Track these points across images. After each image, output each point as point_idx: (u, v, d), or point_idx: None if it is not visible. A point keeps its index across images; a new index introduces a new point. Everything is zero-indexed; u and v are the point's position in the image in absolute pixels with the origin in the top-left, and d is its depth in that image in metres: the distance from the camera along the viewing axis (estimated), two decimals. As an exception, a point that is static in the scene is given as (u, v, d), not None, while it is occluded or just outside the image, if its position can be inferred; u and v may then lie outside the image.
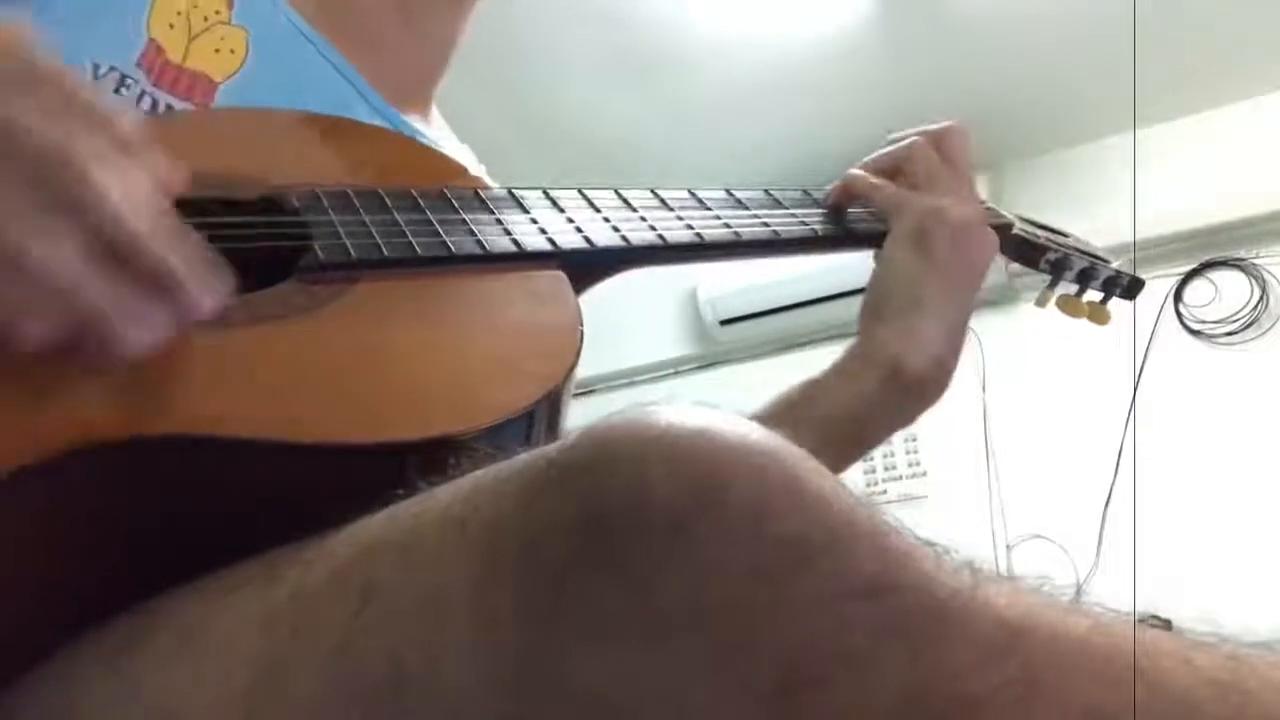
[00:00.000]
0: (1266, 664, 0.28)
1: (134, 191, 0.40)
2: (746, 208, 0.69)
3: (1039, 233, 0.82)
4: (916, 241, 0.70)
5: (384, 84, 0.75)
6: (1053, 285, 0.83)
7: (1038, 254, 0.81)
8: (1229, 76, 2.40)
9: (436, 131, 0.80)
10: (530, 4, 2.05)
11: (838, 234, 0.72)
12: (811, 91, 2.38)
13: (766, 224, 0.68)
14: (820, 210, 0.74)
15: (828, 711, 0.26)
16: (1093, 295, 0.83)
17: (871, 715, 0.26)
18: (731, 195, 0.71)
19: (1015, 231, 0.80)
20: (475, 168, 0.76)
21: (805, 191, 0.75)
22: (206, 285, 0.41)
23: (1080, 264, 0.81)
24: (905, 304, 0.69)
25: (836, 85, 2.38)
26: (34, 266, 0.37)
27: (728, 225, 0.66)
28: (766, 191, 0.73)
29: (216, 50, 0.67)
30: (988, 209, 0.81)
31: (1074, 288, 0.83)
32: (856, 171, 0.75)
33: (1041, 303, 0.83)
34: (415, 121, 0.78)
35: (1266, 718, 0.27)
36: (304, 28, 0.72)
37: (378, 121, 0.73)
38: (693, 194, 0.69)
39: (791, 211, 0.71)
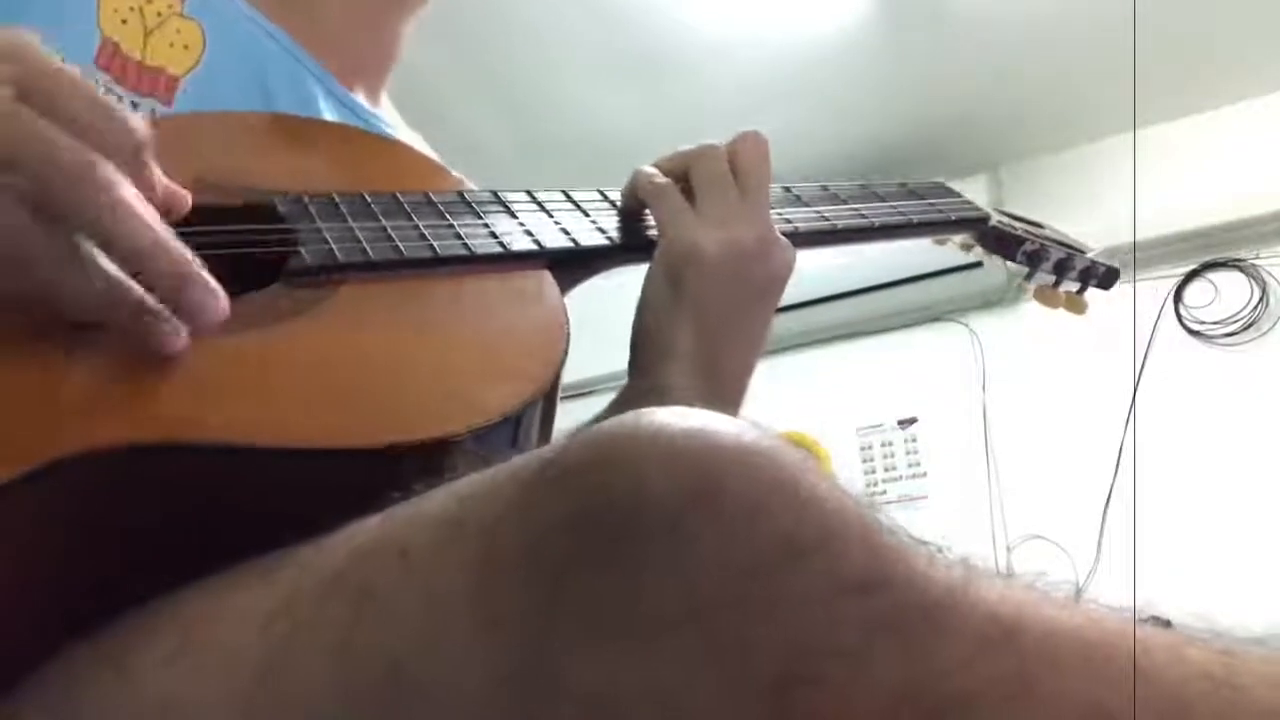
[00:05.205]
0: (1260, 659, 0.28)
1: (145, 210, 0.41)
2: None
3: (1015, 224, 0.83)
4: (669, 276, 0.60)
5: (338, 71, 0.74)
6: (1029, 276, 0.83)
7: (1014, 246, 0.81)
8: (1229, 76, 2.40)
9: (389, 117, 0.80)
10: (529, 4, 2.05)
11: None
12: (811, 91, 2.38)
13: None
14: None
15: (822, 708, 0.26)
16: (1069, 285, 0.84)
17: (865, 711, 0.26)
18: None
19: (992, 224, 0.81)
20: (428, 154, 0.75)
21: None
22: (212, 299, 0.42)
23: (1057, 255, 0.82)
24: (655, 351, 0.60)
25: (836, 85, 2.38)
26: (54, 280, 0.40)
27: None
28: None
29: (172, 45, 0.67)
30: (963, 202, 0.81)
31: (1050, 278, 0.83)
32: (646, 169, 0.65)
33: None
34: (368, 106, 0.78)
35: (1259, 713, 0.26)
36: (257, 17, 0.72)
37: (334, 106, 0.73)
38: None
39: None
